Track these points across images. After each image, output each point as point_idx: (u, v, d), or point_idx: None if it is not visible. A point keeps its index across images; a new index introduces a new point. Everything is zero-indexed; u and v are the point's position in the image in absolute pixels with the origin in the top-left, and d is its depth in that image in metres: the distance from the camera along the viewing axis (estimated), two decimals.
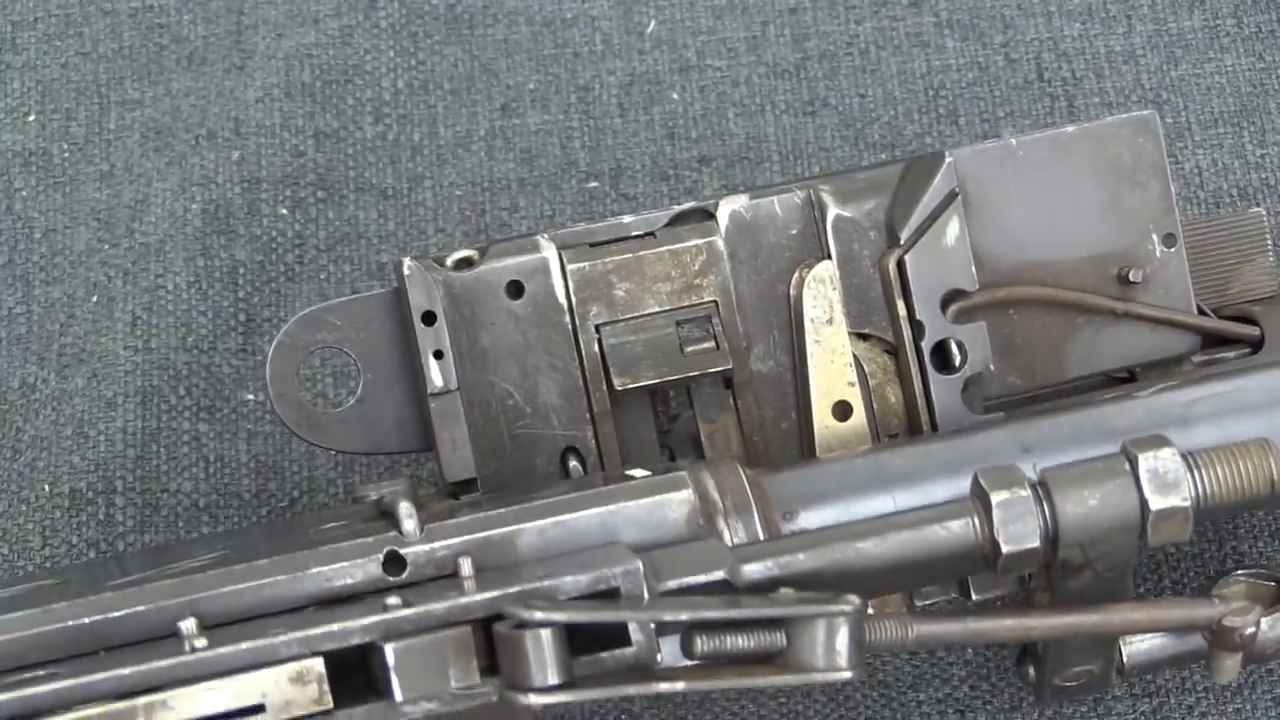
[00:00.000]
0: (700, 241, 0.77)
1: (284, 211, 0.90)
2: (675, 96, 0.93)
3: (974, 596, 0.76)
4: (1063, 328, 0.79)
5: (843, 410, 0.77)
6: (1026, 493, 0.68)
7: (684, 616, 0.65)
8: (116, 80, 0.93)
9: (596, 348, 0.76)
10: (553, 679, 0.63)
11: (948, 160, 0.77)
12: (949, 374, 0.77)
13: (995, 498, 0.68)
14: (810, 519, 0.71)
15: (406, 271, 0.75)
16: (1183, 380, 0.77)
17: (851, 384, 0.77)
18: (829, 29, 0.94)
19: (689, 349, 0.76)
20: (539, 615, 0.63)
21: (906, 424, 0.78)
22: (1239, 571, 0.77)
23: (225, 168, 0.91)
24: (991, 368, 0.77)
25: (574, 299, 0.76)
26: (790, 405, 0.78)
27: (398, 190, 0.91)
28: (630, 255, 0.76)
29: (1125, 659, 0.75)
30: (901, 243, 0.77)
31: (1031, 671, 0.76)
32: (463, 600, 0.64)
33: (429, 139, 0.92)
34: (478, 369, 0.76)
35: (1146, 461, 0.68)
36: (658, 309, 0.76)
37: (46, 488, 0.85)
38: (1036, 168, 0.78)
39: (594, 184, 0.90)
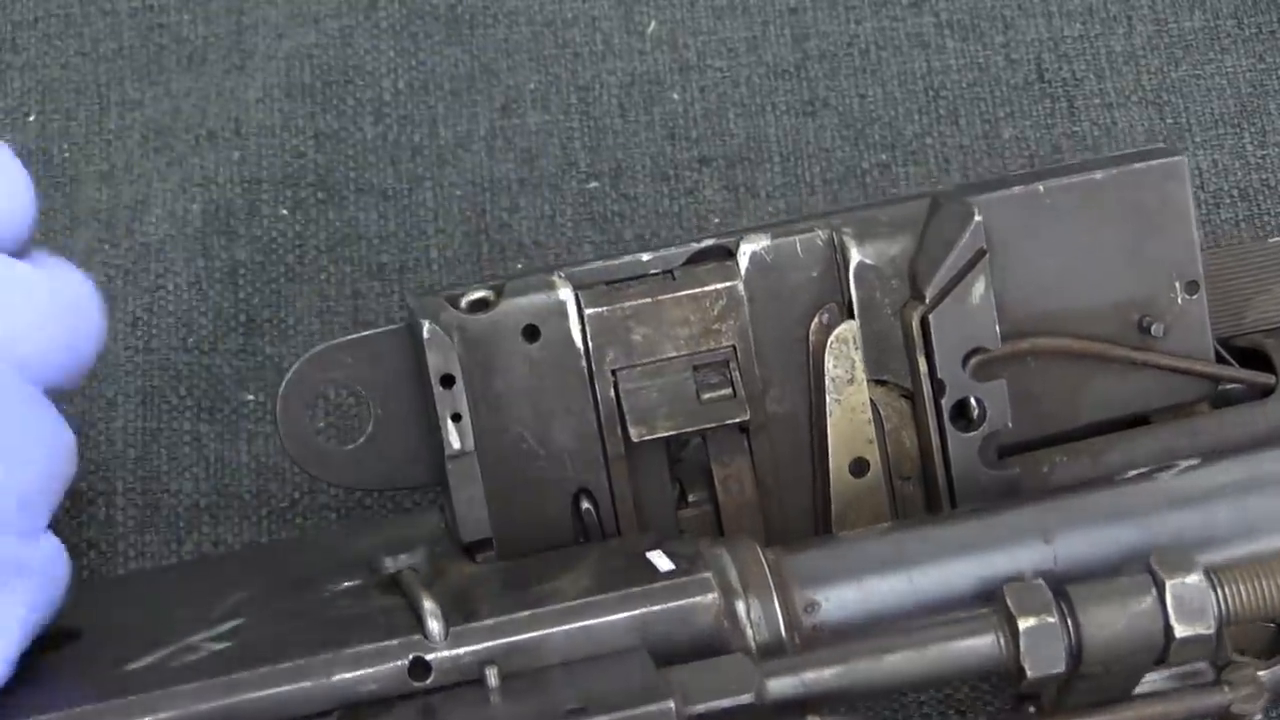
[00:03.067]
0: (720, 286, 0.76)
1: (284, 212, 0.90)
2: (675, 97, 0.93)
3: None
4: (1079, 375, 0.78)
5: (860, 466, 0.77)
6: (1054, 619, 0.69)
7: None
8: (116, 80, 0.93)
9: (612, 393, 0.75)
10: None
11: (976, 218, 0.75)
12: (968, 431, 0.76)
13: (1023, 624, 0.68)
14: (831, 607, 0.71)
15: (426, 335, 0.73)
16: (1204, 459, 0.76)
17: (870, 441, 0.77)
18: (829, 29, 0.94)
19: (705, 396, 0.75)
20: None
21: (921, 472, 0.78)
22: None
23: (226, 168, 0.91)
24: (1009, 425, 0.77)
25: (591, 343, 0.75)
26: (804, 449, 0.77)
27: (398, 191, 0.91)
28: (649, 300, 0.75)
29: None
30: (926, 300, 0.76)
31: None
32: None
33: (429, 139, 0.92)
34: (492, 413, 0.75)
35: (1176, 589, 0.69)
36: (675, 354, 0.75)
37: None
38: (1062, 214, 0.77)
39: (594, 184, 0.90)
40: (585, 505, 0.76)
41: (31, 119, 0.93)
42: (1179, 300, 0.78)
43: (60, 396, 0.86)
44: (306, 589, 0.73)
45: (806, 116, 0.92)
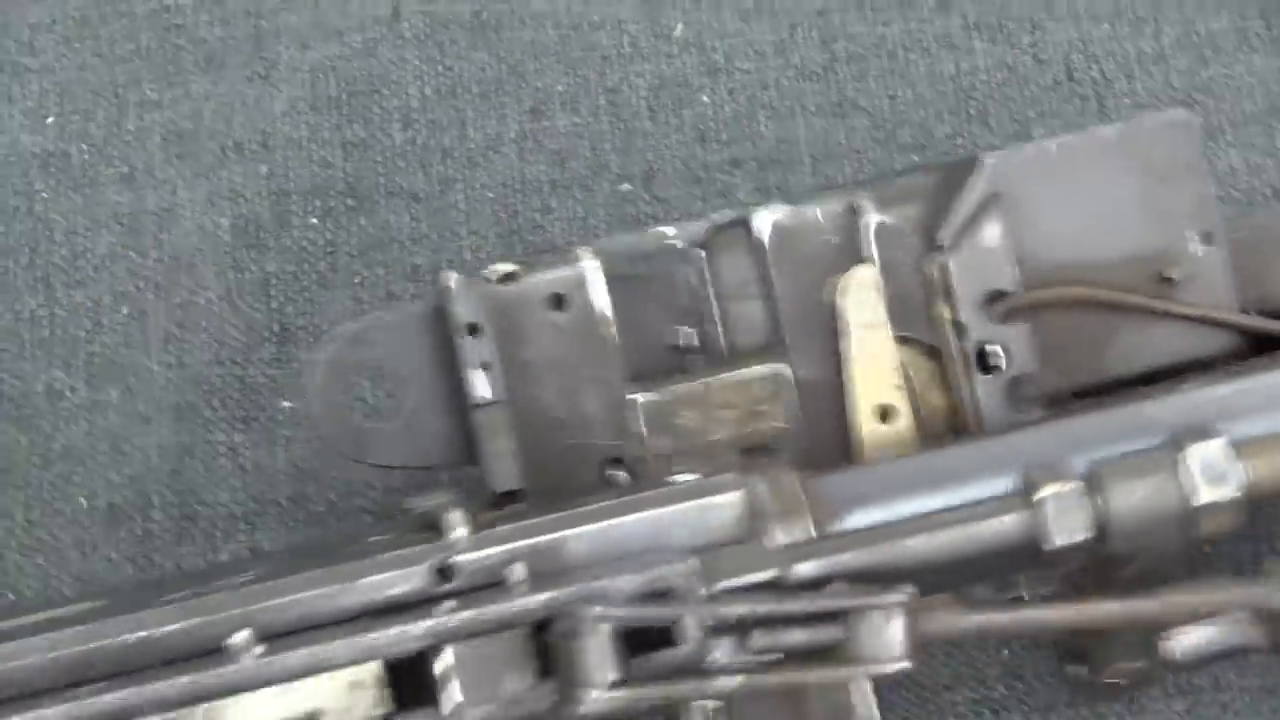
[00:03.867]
0: (766, 371, 0.77)
1: (314, 221, 0.90)
2: (705, 99, 0.93)
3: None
4: (1103, 327, 0.79)
5: (886, 413, 0.77)
6: (1076, 485, 0.68)
7: (740, 610, 0.65)
8: (134, 82, 0.93)
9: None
10: (611, 676, 0.63)
11: (987, 162, 0.77)
12: (993, 375, 0.77)
13: (1045, 491, 0.68)
14: (858, 520, 0.71)
15: (451, 285, 0.75)
16: (1228, 374, 0.76)
17: (897, 387, 0.77)
18: (856, 31, 0.94)
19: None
20: (597, 611, 0.63)
21: (950, 427, 0.78)
22: None
23: (254, 182, 0.90)
24: (1035, 368, 0.77)
25: (644, 431, 0.76)
26: (830, 409, 0.78)
27: (429, 193, 0.90)
28: (699, 382, 0.77)
29: (1175, 654, 0.76)
30: (943, 246, 0.77)
31: (1078, 671, 0.77)
32: (519, 602, 0.64)
33: (459, 143, 0.91)
34: (520, 382, 0.76)
35: (1195, 453, 0.68)
36: (722, 436, 0.77)
37: (83, 501, 0.84)
38: (1074, 169, 0.78)
39: (626, 186, 0.90)
40: (617, 472, 0.76)
41: (50, 121, 0.92)
42: (1198, 252, 0.79)
43: (92, 407, 0.86)
44: (334, 549, 0.74)
45: (837, 118, 0.92)
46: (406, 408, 0.76)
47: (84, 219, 0.90)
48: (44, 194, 0.91)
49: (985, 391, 0.77)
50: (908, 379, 0.78)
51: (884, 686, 0.82)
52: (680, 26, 0.94)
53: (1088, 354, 0.79)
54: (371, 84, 0.92)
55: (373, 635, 0.64)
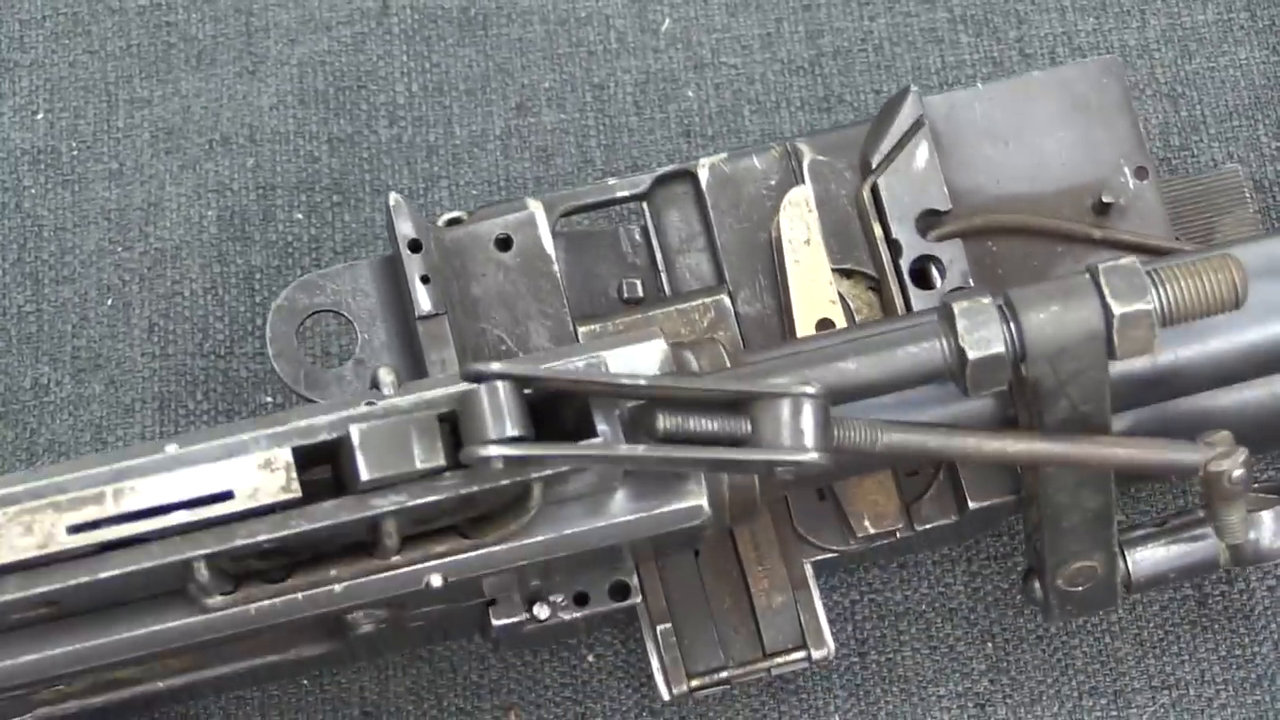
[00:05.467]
0: (708, 300, 0.79)
1: (299, 216, 0.90)
2: (690, 94, 0.93)
3: (971, 505, 0.77)
4: (1043, 258, 0.81)
5: (826, 327, 0.79)
6: (989, 300, 0.68)
7: (643, 383, 0.65)
8: (125, 78, 0.93)
9: None
10: (511, 430, 0.63)
11: (913, 90, 0.80)
12: (930, 290, 0.79)
13: (959, 307, 0.68)
14: None
15: (392, 203, 0.77)
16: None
17: (833, 301, 0.79)
18: (843, 25, 0.94)
19: None
20: (495, 367, 0.64)
21: None
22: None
23: (240, 175, 0.90)
24: (971, 283, 0.79)
25: None
26: (774, 329, 0.80)
27: (414, 191, 0.91)
28: (640, 316, 0.79)
29: (1131, 569, 0.76)
30: (874, 169, 0.79)
31: (1037, 586, 0.76)
32: (429, 394, 0.65)
33: (444, 139, 0.92)
34: (470, 317, 0.78)
35: (1108, 272, 0.68)
36: None
37: None
38: (1005, 109, 0.82)
39: (611, 182, 0.90)
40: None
41: (40, 117, 0.92)
42: (1130, 185, 0.81)
43: (77, 400, 0.86)
44: None
45: (822, 112, 0.92)
46: (359, 349, 0.78)
47: (72, 215, 0.90)
48: (32, 190, 0.91)
49: (922, 306, 0.78)
50: (850, 311, 0.79)
51: (867, 680, 0.83)
52: (668, 21, 0.94)
53: (1027, 284, 0.79)
54: (359, 79, 0.92)
55: (285, 426, 0.64)
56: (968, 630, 0.84)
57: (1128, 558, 0.75)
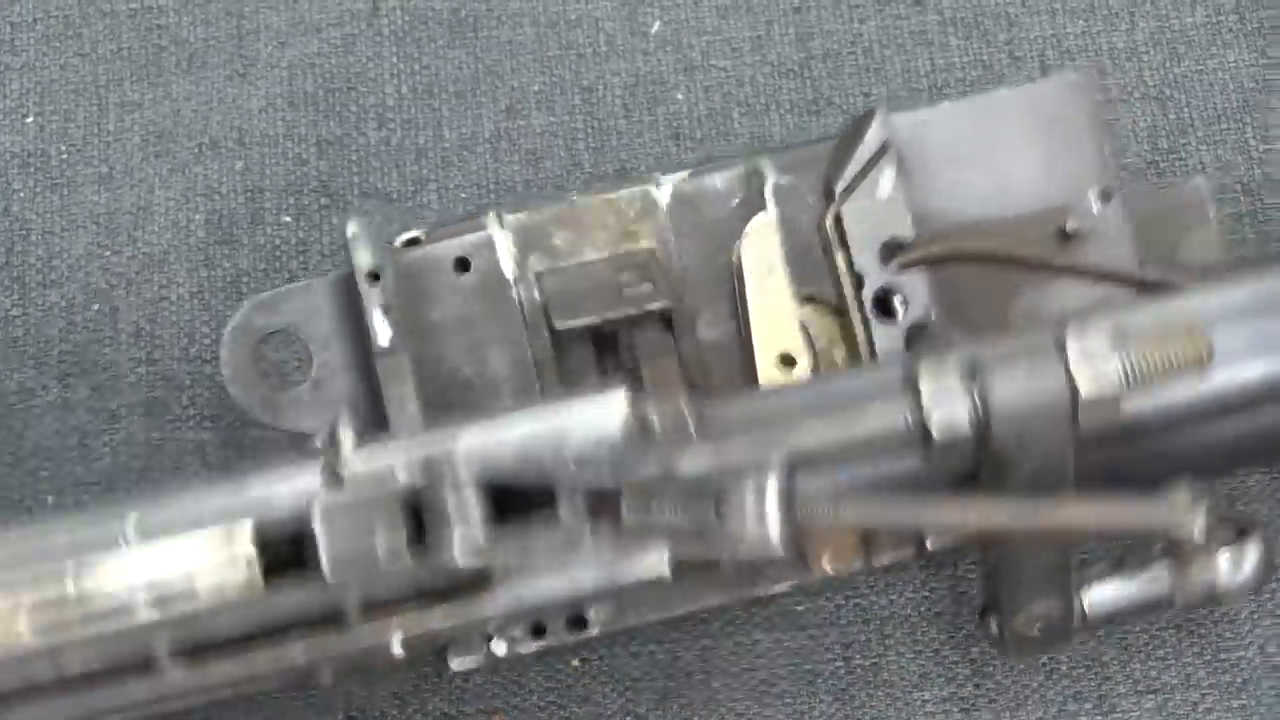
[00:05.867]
0: (635, 190, 0.79)
1: (287, 219, 0.90)
2: (680, 97, 0.93)
3: (929, 546, 0.77)
4: (1005, 285, 0.80)
5: (787, 361, 0.78)
6: (956, 368, 0.68)
7: (606, 471, 0.65)
8: (115, 82, 0.93)
9: (537, 294, 0.77)
10: (476, 534, 0.63)
11: (879, 114, 0.78)
12: (892, 322, 0.78)
13: (924, 383, 0.68)
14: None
15: (350, 234, 0.75)
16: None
17: (795, 335, 0.78)
18: (833, 28, 0.94)
19: (627, 291, 0.77)
20: (462, 471, 0.64)
21: None
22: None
23: (229, 178, 0.90)
24: (933, 316, 0.78)
25: (515, 252, 0.77)
26: (738, 368, 0.79)
27: (402, 194, 0.91)
28: (566, 205, 0.78)
29: (1086, 607, 0.75)
30: (837, 197, 0.78)
31: (994, 623, 0.76)
32: (392, 466, 0.65)
33: (434, 142, 0.92)
34: (427, 343, 0.77)
35: (1075, 350, 0.68)
36: (596, 256, 0.78)
37: (50, 499, 0.85)
38: (971, 128, 0.80)
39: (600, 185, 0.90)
40: None
41: (30, 120, 0.92)
42: (1095, 209, 0.80)
43: (63, 406, 0.86)
44: None
45: (812, 115, 0.92)
46: (316, 371, 0.77)
47: (61, 219, 0.90)
48: (21, 194, 0.91)
49: (884, 340, 0.78)
50: (810, 338, 0.79)
51: (852, 684, 0.83)
52: (658, 24, 0.94)
53: (990, 312, 0.79)
54: (348, 81, 0.92)
55: (244, 496, 0.65)
56: (952, 635, 0.84)
57: (1084, 599, 0.75)
